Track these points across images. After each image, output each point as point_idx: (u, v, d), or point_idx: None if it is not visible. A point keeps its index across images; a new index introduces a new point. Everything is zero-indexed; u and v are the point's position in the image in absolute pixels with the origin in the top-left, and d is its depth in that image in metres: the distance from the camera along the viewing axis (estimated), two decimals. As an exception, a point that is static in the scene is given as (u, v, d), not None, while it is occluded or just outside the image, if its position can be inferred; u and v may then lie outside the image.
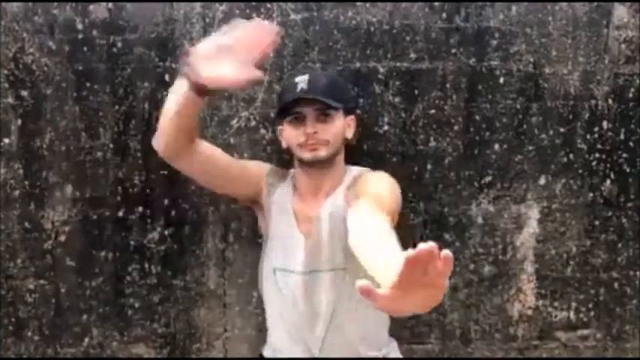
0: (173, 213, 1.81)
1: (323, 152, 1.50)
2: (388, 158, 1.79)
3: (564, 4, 1.78)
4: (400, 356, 1.66)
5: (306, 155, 1.51)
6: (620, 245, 1.88)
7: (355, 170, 1.58)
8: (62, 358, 1.84)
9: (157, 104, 1.76)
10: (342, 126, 1.54)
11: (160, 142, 1.46)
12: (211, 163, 1.54)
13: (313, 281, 1.53)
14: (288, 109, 1.50)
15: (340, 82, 1.60)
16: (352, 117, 1.58)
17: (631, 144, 1.85)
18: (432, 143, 1.80)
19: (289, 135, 1.53)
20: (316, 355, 1.55)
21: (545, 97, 1.81)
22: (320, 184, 1.56)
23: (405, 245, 1.82)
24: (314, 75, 1.53)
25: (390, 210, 1.35)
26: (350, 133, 1.58)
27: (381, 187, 1.44)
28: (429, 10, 1.75)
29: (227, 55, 1.27)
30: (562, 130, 1.83)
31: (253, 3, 1.73)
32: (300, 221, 1.56)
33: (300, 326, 1.55)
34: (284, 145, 1.58)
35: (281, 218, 1.57)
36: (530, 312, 1.89)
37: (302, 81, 1.49)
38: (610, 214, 1.87)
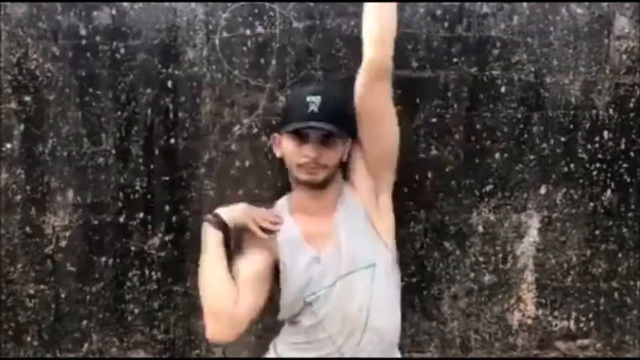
0: (174, 219, 1.81)
1: (320, 176, 1.52)
2: (389, 166, 1.79)
3: (565, 14, 1.79)
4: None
5: (303, 177, 1.52)
6: (620, 255, 1.88)
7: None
8: (61, 363, 1.84)
9: (160, 110, 1.77)
10: (342, 151, 1.55)
11: (230, 323, 1.49)
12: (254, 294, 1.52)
13: (344, 287, 1.53)
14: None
15: (348, 105, 1.58)
16: (350, 141, 1.58)
17: (631, 154, 1.85)
18: (433, 152, 1.80)
19: (288, 150, 1.53)
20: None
21: (546, 107, 1.82)
22: (322, 199, 1.57)
23: (405, 254, 1.84)
24: (326, 96, 1.50)
25: None
26: (345, 156, 1.59)
27: None
28: (430, 20, 1.76)
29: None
30: (563, 139, 1.83)
31: (256, 11, 1.74)
32: (310, 240, 1.56)
33: (336, 336, 1.53)
34: (278, 154, 1.59)
35: (292, 250, 1.56)
36: (530, 321, 1.89)
37: (313, 102, 1.48)
38: (610, 223, 1.87)
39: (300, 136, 1.51)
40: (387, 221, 1.62)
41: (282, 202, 1.64)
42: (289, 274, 1.55)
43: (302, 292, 1.54)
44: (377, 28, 1.51)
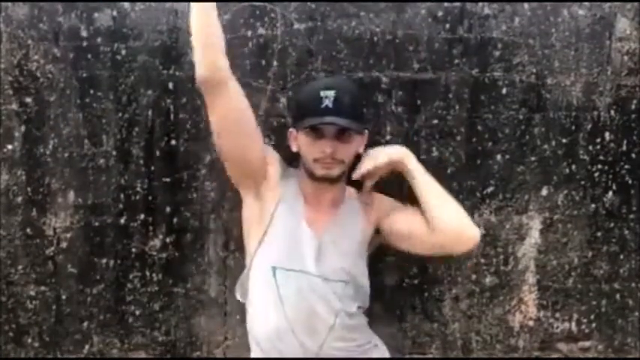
0: (175, 220, 1.81)
1: (336, 171, 1.52)
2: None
3: (567, 15, 1.79)
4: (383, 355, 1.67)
5: (319, 172, 1.52)
6: (622, 257, 1.88)
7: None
8: (62, 365, 1.84)
9: (160, 112, 1.77)
10: (358, 145, 1.55)
11: (203, 62, 1.45)
12: (244, 104, 1.52)
13: (321, 285, 1.53)
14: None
15: (361, 97, 1.58)
16: (366, 133, 1.60)
17: (633, 155, 1.85)
18: (435, 153, 1.80)
19: (304, 146, 1.53)
20: (314, 354, 1.53)
21: (548, 108, 1.81)
22: (327, 194, 1.58)
23: (406, 256, 1.83)
24: (340, 90, 1.50)
25: None
26: (362, 148, 1.59)
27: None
28: (432, 21, 1.76)
29: None
30: (564, 141, 1.83)
31: (257, 12, 1.74)
32: (309, 223, 1.56)
33: (296, 326, 1.52)
34: (294, 149, 1.59)
35: (289, 215, 1.56)
36: (531, 323, 1.88)
37: (327, 97, 1.47)
38: (612, 225, 1.87)
39: (316, 132, 1.50)
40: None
41: (295, 172, 1.64)
42: (275, 225, 1.55)
43: (274, 252, 1.54)
44: None
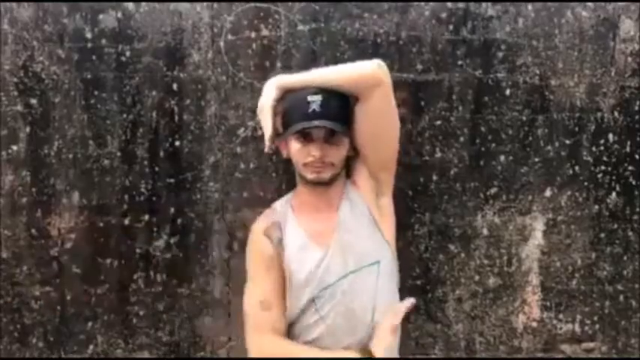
0: (179, 221, 1.81)
1: (327, 174, 1.52)
2: (394, 169, 1.79)
3: (571, 17, 1.79)
4: None
5: (310, 176, 1.52)
6: (625, 258, 1.88)
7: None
8: (67, 365, 1.85)
9: (165, 113, 1.78)
10: (347, 146, 1.55)
11: None
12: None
13: (350, 285, 1.53)
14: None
15: (348, 101, 1.58)
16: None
17: (637, 156, 1.85)
18: (438, 154, 1.80)
19: (293, 151, 1.54)
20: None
21: (551, 109, 1.81)
22: (326, 196, 1.58)
23: (410, 257, 1.83)
24: (326, 94, 1.49)
25: None
26: (353, 150, 1.59)
27: None
28: (435, 22, 1.76)
29: None
30: (568, 142, 1.83)
31: (261, 13, 1.74)
32: (314, 237, 1.56)
33: (338, 331, 1.53)
34: (284, 155, 1.60)
35: (300, 252, 1.56)
36: (534, 324, 1.88)
37: (314, 101, 1.47)
38: (615, 226, 1.87)
39: (305, 136, 1.51)
40: (388, 222, 1.63)
41: (283, 203, 1.64)
42: (296, 277, 1.55)
43: (307, 292, 1.54)
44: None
